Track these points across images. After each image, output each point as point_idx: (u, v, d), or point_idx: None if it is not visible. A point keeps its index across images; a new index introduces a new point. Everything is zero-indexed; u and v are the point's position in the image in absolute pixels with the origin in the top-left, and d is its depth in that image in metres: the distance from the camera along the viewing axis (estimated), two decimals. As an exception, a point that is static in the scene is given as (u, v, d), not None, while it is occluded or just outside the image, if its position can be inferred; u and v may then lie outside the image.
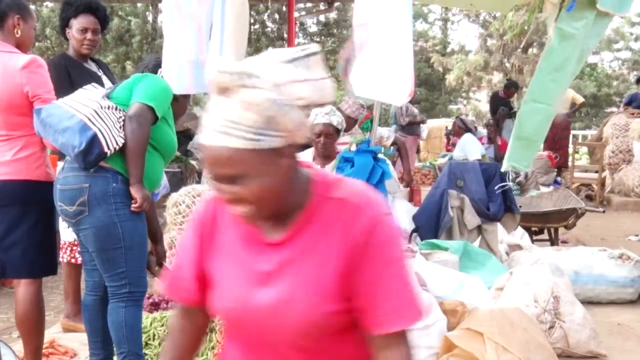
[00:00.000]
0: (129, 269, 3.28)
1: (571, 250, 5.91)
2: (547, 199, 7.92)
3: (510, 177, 9.13)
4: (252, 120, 1.34)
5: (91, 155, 3.21)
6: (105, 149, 3.19)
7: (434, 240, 5.43)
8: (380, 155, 4.22)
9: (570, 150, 13.43)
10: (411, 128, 11.48)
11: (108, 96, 3.36)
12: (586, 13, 4.23)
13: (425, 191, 7.39)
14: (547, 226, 7.33)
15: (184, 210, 4.67)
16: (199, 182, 8.87)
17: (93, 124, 3.21)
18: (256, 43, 24.62)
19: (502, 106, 12.34)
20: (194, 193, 4.73)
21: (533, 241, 7.12)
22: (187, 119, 11.24)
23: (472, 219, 5.87)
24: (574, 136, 16.65)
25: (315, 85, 1.43)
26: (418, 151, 12.80)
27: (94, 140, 3.18)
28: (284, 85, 1.38)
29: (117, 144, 3.22)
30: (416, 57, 31.54)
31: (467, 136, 9.79)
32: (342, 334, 1.51)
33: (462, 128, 10.05)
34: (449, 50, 30.46)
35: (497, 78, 24.60)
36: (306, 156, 5.68)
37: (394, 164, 7.97)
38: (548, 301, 4.29)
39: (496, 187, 5.88)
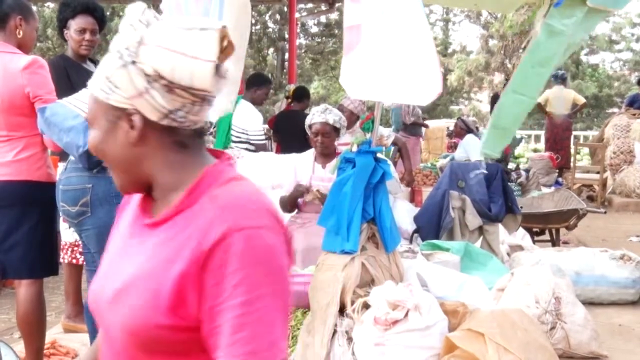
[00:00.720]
0: None
1: (572, 251, 5.90)
2: (549, 199, 7.92)
3: (512, 177, 9.13)
4: (106, 71, 1.37)
5: (95, 156, 3.21)
6: None
7: (435, 241, 5.43)
8: (381, 155, 4.22)
9: (572, 151, 13.43)
10: (414, 129, 11.48)
11: None
12: (576, 10, 4.23)
13: (426, 192, 7.39)
14: (548, 227, 7.33)
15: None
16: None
17: None
18: (257, 44, 24.64)
19: None
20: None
21: (534, 242, 7.11)
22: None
23: (473, 219, 5.87)
24: (575, 137, 16.64)
25: (184, 61, 1.33)
26: (421, 151, 12.78)
27: None
28: (145, 47, 1.35)
29: None
30: (417, 58, 31.59)
31: (469, 137, 9.77)
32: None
33: (463, 129, 10.04)
34: (450, 50, 30.43)
35: (499, 79, 24.59)
36: (308, 156, 5.70)
37: (395, 164, 7.97)
38: (549, 302, 4.29)
39: (472, 175, 5.86)
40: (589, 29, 4.63)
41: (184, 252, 1.33)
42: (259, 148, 7.19)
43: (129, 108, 1.37)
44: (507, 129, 4.67)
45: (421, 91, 3.68)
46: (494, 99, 13.25)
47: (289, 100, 9.26)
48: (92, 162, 3.25)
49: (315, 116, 5.42)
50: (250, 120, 7.16)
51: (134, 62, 1.35)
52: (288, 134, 8.59)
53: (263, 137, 7.34)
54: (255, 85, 7.55)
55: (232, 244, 1.29)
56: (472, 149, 9.65)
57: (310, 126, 5.48)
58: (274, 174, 6.48)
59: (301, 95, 9.20)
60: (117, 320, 1.39)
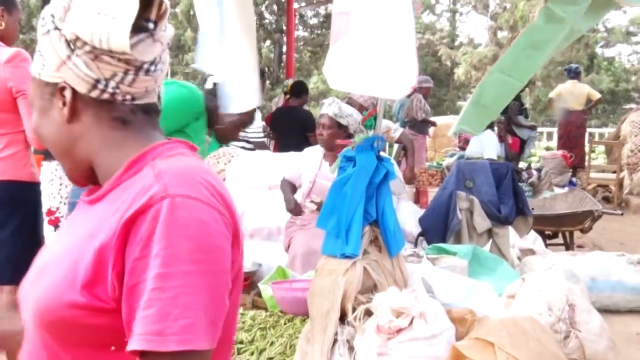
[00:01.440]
0: None
1: (587, 256, 5.90)
2: (562, 200, 7.92)
3: (523, 177, 9.13)
4: (38, 44, 1.36)
5: None
6: None
7: (442, 245, 5.42)
8: (384, 154, 4.22)
9: (586, 149, 13.42)
10: (422, 126, 11.47)
11: None
12: None
13: (432, 192, 7.38)
14: (561, 230, 7.32)
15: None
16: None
17: None
18: (253, 36, 24.65)
19: (514, 101, 12.31)
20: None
21: (547, 246, 7.11)
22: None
23: (482, 221, 5.87)
24: (590, 134, 16.64)
25: (102, 22, 1.29)
26: (426, 150, 12.78)
27: None
28: (70, 12, 1.32)
29: None
30: (423, 51, 31.61)
31: (488, 132, 9.72)
32: (101, 352, 1.29)
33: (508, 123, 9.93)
34: (457, 43, 30.46)
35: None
36: (316, 153, 5.71)
37: (399, 164, 7.96)
38: (563, 309, 4.28)
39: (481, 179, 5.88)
40: (597, 18, 4.63)
41: (108, 223, 1.27)
42: (257, 146, 7.20)
43: (60, 82, 1.35)
44: (488, 108, 4.70)
45: (394, 85, 3.67)
46: None
47: (287, 95, 9.26)
48: None
49: (322, 108, 5.56)
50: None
51: (56, 29, 1.32)
52: (286, 131, 8.60)
53: (262, 134, 7.35)
54: None
55: (162, 209, 1.22)
56: (488, 146, 9.62)
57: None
58: (271, 173, 6.48)
59: (299, 91, 9.20)
60: (30, 303, 1.33)
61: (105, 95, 1.35)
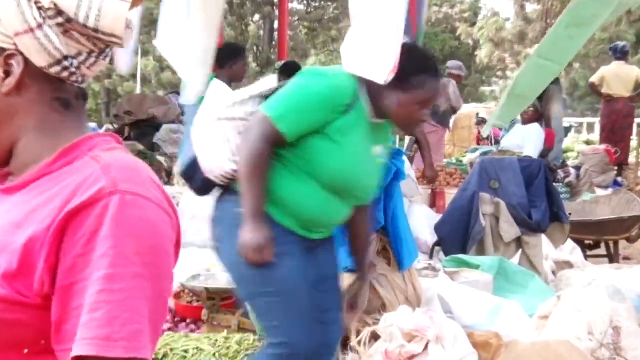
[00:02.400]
0: (275, 320, 3.19)
1: (635, 269, 5.90)
2: (605, 204, 7.92)
3: (559, 176, 9.14)
4: None
5: (196, 182, 3.37)
6: (208, 174, 3.27)
7: (462, 256, 5.43)
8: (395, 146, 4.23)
9: (634, 143, 13.41)
10: (444, 116, 11.45)
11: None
12: None
13: (450, 194, 7.39)
14: (604, 239, 7.33)
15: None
16: (167, 182, 8.88)
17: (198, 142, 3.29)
18: (239, 9, 24.66)
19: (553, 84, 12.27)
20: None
21: (587, 257, 7.12)
22: (152, 105, 11.24)
23: (509, 229, 5.87)
24: (639, 126, 16.63)
25: None
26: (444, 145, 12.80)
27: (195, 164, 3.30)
28: None
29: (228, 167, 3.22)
30: (440, 27, 31.62)
31: (535, 127, 9.62)
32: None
33: (539, 112, 9.81)
34: (480, 17, 30.47)
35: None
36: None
37: (411, 160, 7.98)
38: (606, 333, 4.29)
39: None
40: None
41: (40, 213, 1.32)
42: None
43: (10, 48, 1.37)
44: (522, 97, 4.71)
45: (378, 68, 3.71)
46: None
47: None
48: (195, 190, 3.42)
49: None
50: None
51: None
52: None
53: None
54: (230, 59, 7.55)
55: (110, 206, 1.28)
56: (531, 142, 9.54)
57: None
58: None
59: (292, 71, 9.21)
60: None
61: (64, 74, 1.39)
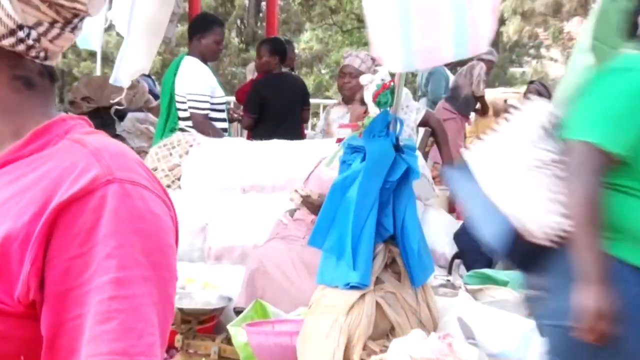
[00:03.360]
0: None
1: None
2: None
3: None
4: None
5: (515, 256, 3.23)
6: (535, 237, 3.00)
7: (487, 271, 5.44)
8: (405, 137, 4.24)
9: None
10: (466, 103, 11.46)
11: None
12: None
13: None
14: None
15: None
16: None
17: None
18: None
19: None
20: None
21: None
22: (116, 89, 11.22)
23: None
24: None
25: None
26: (465, 137, 12.79)
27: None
28: None
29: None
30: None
31: None
32: None
33: (543, 95, 9.89)
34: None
35: (575, 27, 24.59)
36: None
37: (425, 155, 7.97)
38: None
39: None
40: None
41: (14, 205, 1.32)
42: (198, 127, 7.21)
43: None
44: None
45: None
46: None
47: (264, 58, 9.29)
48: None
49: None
50: (191, 80, 7.23)
51: None
52: (270, 111, 8.65)
53: (204, 105, 7.33)
54: (199, 31, 7.55)
55: (107, 197, 1.29)
56: None
57: None
58: (246, 170, 6.49)
59: (282, 50, 9.26)
60: None
61: (20, 47, 1.38)
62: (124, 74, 4.65)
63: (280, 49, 9.28)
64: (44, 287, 1.28)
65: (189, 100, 7.23)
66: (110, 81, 5.56)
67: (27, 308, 1.29)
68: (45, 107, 1.45)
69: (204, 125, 7.17)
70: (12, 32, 1.36)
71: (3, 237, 1.29)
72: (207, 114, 7.30)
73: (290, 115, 8.72)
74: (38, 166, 1.35)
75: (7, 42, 1.36)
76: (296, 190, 5.35)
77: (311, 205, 5.21)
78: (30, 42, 1.38)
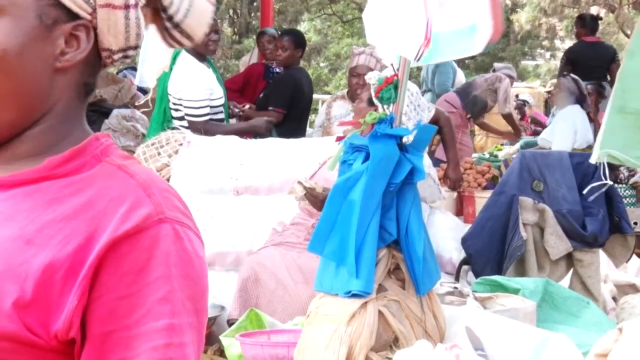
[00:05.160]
0: None
1: None
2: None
3: (622, 175, 9.15)
4: None
5: None
6: None
7: (497, 277, 5.45)
8: (409, 139, 4.25)
9: None
10: (474, 105, 11.43)
11: None
12: None
13: (482, 199, 7.41)
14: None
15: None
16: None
17: None
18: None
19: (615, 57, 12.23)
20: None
21: (657, 279, 7.14)
22: (100, 84, 11.22)
23: (557, 243, 5.89)
24: None
25: None
26: (470, 134, 12.78)
27: None
28: None
29: None
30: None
31: (574, 110, 9.62)
32: None
33: (574, 94, 9.83)
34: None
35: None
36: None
37: (431, 155, 7.99)
38: (679, 374, 4.32)
39: (585, 191, 5.84)
40: None
41: (57, 231, 1.32)
42: (194, 131, 7.20)
43: (85, 17, 1.40)
44: None
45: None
46: (573, 54, 13.12)
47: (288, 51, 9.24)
48: None
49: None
50: (186, 84, 7.20)
51: None
52: (297, 107, 8.74)
53: (203, 111, 7.33)
54: None
55: (161, 237, 1.32)
56: (564, 131, 9.53)
57: None
58: (240, 171, 6.49)
59: (298, 40, 9.30)
60: None
61: (115, 62, 1.47)
62: (148, 74, 4.69)
63: (303, 42, 9.31)
64: (85, 325, 1.30)
65: (185, 107, 7.22)
66: (136, 82, 5.61)
67: (63, 344, 1.31)
68: (83, 122, 1.48)
69: (207, 132, 7.14)
70: (126, 49, 1.45)
71: (45, 266, 1.30)
72: (207, 120, 7.28)
73: (308, 112, 8.80)
74: (78, 190, 1.36)
75: (116, 56, 1.44)
76: (300, 182, 5.34)
77: (314, 199, 5.23)
78: (115, 57, 1.46)
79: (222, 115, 7.57)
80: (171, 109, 7.26)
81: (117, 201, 1.33)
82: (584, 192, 5.71)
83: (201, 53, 7.37)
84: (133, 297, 1.29)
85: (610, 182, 5.04)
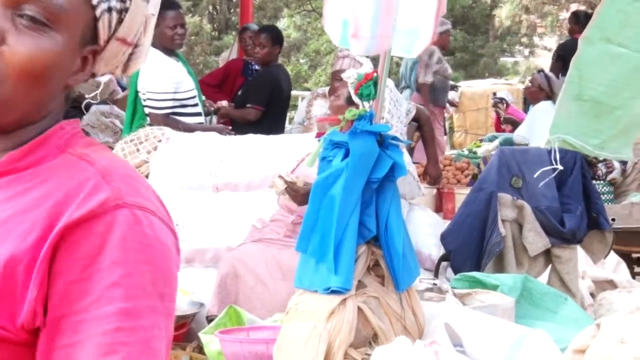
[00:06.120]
0: None
1: (695, 290, 5.95)
2: (658, 207, 7.97)
3: (600, 171, 9.18)
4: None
5: None
6: None
7: (475, 274, 5.46)
8: (393, 133, 4.26)
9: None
10: (435, 93, 11.47)
11: None
12: None
13: (461, 195, 7.43)
14: (656, 251, 7.37)
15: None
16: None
17: None
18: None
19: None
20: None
21: (634, 276, 7.16)
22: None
23: (536, 239, 5.91)
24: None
25: None
26: (450, 131, 12.79)
27: None
28: None
29: None
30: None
31: (545, 105, 9.69)
32: None
33: (544, 90, 9.91)
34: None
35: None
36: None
37: (410, 151, 8.01)
38: (657, 370, 4.34)
39: (536, 175, 5.82)
40: None
41: (17, 225, 1.34)
42: (154, 123, 7.19)
43: (101, 44, 1.47)
44: (603, 104, 4.65)
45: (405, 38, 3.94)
46: (567, 48, 13.19)
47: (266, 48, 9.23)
48: None
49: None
50: (149, 77, 7.19)
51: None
52: (276, 104, 8.75)
53: (164, 104, 7.30)
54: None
55: (116, 222, 1.33)
56: (540, 128, 9.57)
57: None
58: (219, 167, 6.49)
59: (276, 37, 9.29)
60: None
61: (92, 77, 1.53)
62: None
63: (281, 39, 9.31)
64: (46, 313, 1.31)
65: (147, 99, 7.21)
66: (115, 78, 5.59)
67: (31, 335, 1.32)
68: (60, 119, 1.50)
69: (166, 126, 7.11)
70: (103, 74, 1.51)
71: (7, 259, 1.31)
72: (167, 114, 7.25)
73: (286, 108, 8.79)
74: (39, 183, 1.38)
75: (93, 78, 1.51)
76: (281, 176, 5.35)
77: (295, 193, 5.23)
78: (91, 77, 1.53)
79: (196, 109, 7.55)
80: (143, 105, 7.25)
81: (75, 190, 1.35)
82: (535, 175, 5.71)
83: (168, 47, 7.34)
84: (84, 282, 1.30)
85: (560, 167, 5.06)
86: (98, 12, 1.41)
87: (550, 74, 10.45)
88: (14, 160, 1.41)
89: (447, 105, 12.42)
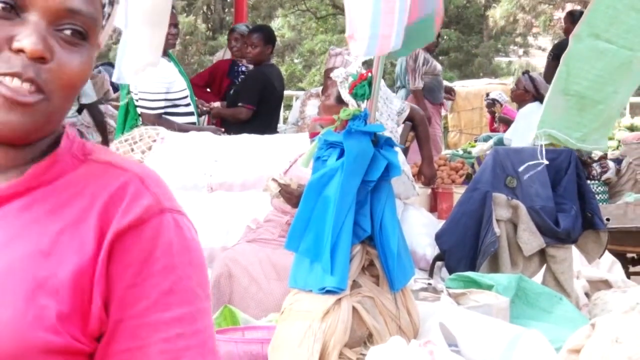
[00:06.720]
0: None
1: (689, 289, 5.96)
2: (652, 207, 7.97)
3: (594, 171, 9.19)
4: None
5: None
6: None
7: (470, 274, 5.46)
8: (386, 134, 4.25)
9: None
10: (431, 93, 11.47)
11: None
12: None
13: (456, 195, 7.43)
14: (651, 251, 7.37)
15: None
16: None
17: None
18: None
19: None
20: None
21: (629, 275, 7.16)
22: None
23: (530, 239, 5.91)
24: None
25: None
26: (444, 131, 12.79)
27: None
28: None
29: None
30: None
31: (533, 107, 9.72)
32: None
33: (530, 92, 9.96)
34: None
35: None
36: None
37: (405, 151, 8.01)
38: (651, 369, 4.34)
39: (521, 169, 5.81)
40: None
41: (73, 238, 1.36)
42: (146, 123, 7.19)
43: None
44: (587, 98, 4.66)
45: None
46: (561, 47, 13.20)
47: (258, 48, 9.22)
48: None
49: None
50: (143, 78, 7.19)
51: None
52: (267, 104, 8.75)
53: (157, 104, 7.30)
54: None
55: (163, 227, 1.38)
56: (525, 130, 9.59)
57: None
58: (214, 167, 6.48)
59: (268, 36, 9.27)
60: None
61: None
62: (127, 71, 4.62)
63: (273, 38, 9.31)
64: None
65: (139, 99, 7.21)
66: (113, 79, 5.56)
67: (95, 345, 1.36)
68: None
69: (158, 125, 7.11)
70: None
71: (75, 274, 1.34)
72: (159, 114, 7.25)
73: (279, 108, 8.79)
74: (76, 194, 1.40)
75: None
76: (274, 179, 5.34)
77: (290, 196, 5.23)
78: None
79: (188, 109, 7.55)
80: (135, 105, 7.26)
81: (118, 194, 1.38)
82: (520, 169, 5.71)
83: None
84: (138, 287, 1.34)
85: (546, 162, 5.07)
86: (104, 20, 1.44)
87: (536, 76, 10.48)
88: (37, 174, 1.40)
89: (444, 101, 12.38)
